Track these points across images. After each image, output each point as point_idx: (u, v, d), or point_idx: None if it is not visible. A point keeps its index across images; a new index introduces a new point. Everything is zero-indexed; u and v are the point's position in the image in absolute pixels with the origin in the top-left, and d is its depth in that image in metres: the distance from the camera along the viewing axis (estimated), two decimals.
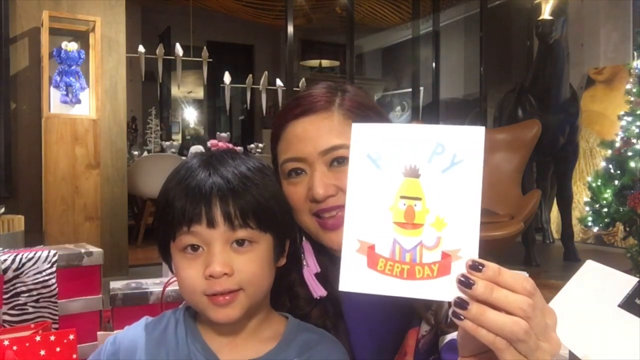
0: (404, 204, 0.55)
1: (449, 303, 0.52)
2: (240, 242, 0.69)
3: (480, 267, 0.51)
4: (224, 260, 0.67)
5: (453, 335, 0.78)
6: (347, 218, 0.56)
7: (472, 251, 0.53)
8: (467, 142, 0.55)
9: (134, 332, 0.75)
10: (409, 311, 0.81)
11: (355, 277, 0.55)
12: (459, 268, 0.53)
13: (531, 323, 0.50)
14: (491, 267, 0.51)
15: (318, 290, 0.82)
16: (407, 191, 0.55)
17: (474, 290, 0.50)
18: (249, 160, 0.74)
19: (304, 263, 0.84)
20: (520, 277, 0.52)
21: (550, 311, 0.55)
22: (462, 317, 0.51)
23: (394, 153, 0.56)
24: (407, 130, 0.57)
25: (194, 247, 0.69)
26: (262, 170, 0.74)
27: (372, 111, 0.85)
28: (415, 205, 0.55)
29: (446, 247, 0.54)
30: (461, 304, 0.51)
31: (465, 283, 0.51)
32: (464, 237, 0.53)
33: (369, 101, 0.87)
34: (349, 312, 0.84)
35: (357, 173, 0.56)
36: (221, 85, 6.27)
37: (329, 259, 0.86)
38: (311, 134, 0.81)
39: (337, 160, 0.80)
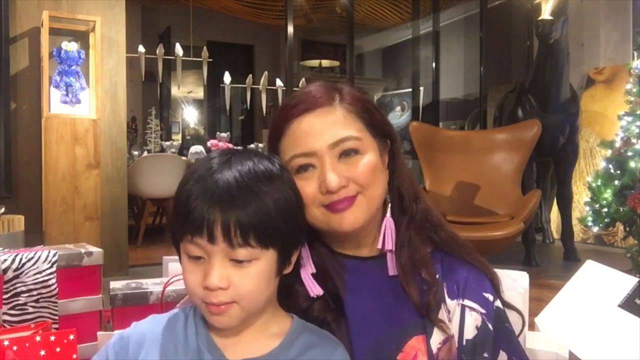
0: None
1: None
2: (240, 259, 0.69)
3: None
4: (221, 274, 0.68)
5: None
6: None
7: None
8: None
9: (143, 327, 0.76)
10: (412, 314, 0.83)
11: None
12: None
13: None
14: None
15: (315, 290, 0.83)
16: None
17: None
18: (261, 163, 0.73)
19: (301, 263, 0.84)
20: None
21: None
22: None
23: None
24: None
25: (197, 256, 0.70)
26: (272, 178, 0.72)
27: (371, 105, 0.88)
28: None
29: None
30: None
31: None
32: None
33: (367, 97, 0.89)
34: (350, 306, 0.84)
35: None
36: (221, 85, 6.27)
37: (330, 253, 0.88)
38: (318, 128, 0.82)
39: (345, 153, 0.82)
